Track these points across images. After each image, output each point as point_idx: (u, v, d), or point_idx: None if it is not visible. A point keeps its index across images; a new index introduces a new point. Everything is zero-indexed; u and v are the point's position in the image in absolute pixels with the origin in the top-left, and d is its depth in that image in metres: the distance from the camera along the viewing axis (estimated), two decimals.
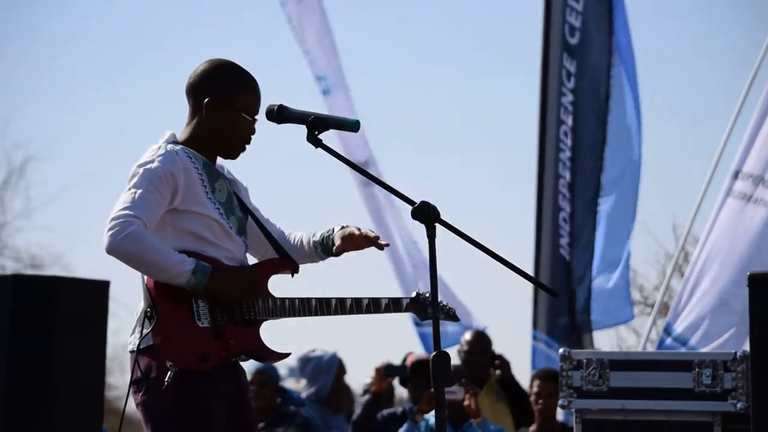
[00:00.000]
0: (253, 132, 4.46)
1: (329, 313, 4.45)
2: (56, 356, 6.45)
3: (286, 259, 4.55)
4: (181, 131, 4.47)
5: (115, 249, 4.18)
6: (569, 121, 9.82)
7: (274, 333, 4.47)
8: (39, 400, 6.40)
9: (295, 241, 4.66)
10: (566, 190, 9.80)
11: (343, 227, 4.57)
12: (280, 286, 4.55)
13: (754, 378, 5.00)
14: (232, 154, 4.48)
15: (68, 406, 6.47)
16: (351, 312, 4.46)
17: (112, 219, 4.20)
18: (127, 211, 4.20)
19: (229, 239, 4.40)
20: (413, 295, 4.56)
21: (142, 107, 33.90)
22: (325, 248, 4.60)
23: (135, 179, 4.27)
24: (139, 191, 4.23)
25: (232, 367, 4.40)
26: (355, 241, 4.54)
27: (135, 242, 4.17)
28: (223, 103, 4.40)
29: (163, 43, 33.56)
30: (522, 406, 7.89)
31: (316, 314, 4.44)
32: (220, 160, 4.53)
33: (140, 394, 4.31)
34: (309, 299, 4.44)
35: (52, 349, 6.45)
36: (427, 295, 4.54)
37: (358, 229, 4.53)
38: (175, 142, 4.40)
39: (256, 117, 4.45)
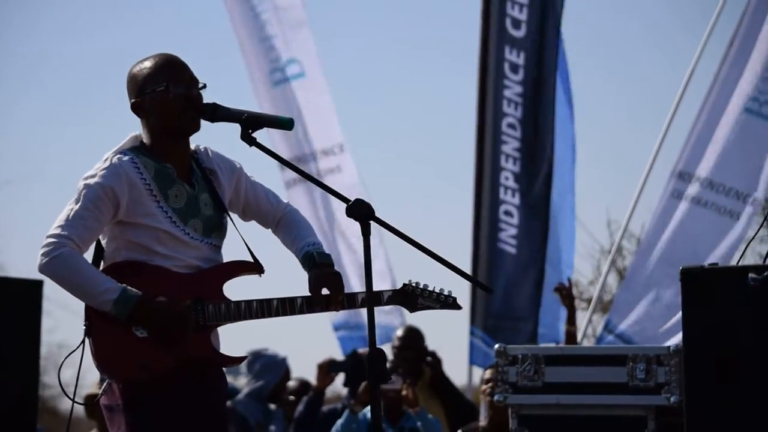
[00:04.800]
0: (190, 94, 4.35)
1: (294, 313, 4.40)
2: None
3: (251, 262, 4.48)
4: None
5: (43, 271, 4.26)
6: (517, 113, 9.80)
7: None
8: None
9: (290, 235, 4.57)
10: (512, 182, 9.78)
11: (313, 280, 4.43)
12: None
13: (687, 372, 5.04)
14: (183, 130, 4.38)
15: (2, 405, 6.42)
16: (320, 309, 4.40)
17: (47, 237, 4.25)
18: (59, 231, 4.24)
19: (183, 246, 4.36)
20: (400, 286, 4.54)
21: (76, 109, 33.54)
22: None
23: (76, 194, 4.29)
24: (76, 208, 4.27)
25: (191, 373, 4.31)
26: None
27: (62, 266, 4.22)
28: (142, 95, 4.37)
29: (108, 40, 33.32)
30: (454, 403, 7.90)
31: (278, 314, 4.39)
32: (207, 148, 4.49)
33: (104, 407, 4.36)
34: (270, 300, 4.40)
35: None
36: (416, 284, 4.53)
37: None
38: (134, 148, 4.38)
39: (183, 81, 4.35)
